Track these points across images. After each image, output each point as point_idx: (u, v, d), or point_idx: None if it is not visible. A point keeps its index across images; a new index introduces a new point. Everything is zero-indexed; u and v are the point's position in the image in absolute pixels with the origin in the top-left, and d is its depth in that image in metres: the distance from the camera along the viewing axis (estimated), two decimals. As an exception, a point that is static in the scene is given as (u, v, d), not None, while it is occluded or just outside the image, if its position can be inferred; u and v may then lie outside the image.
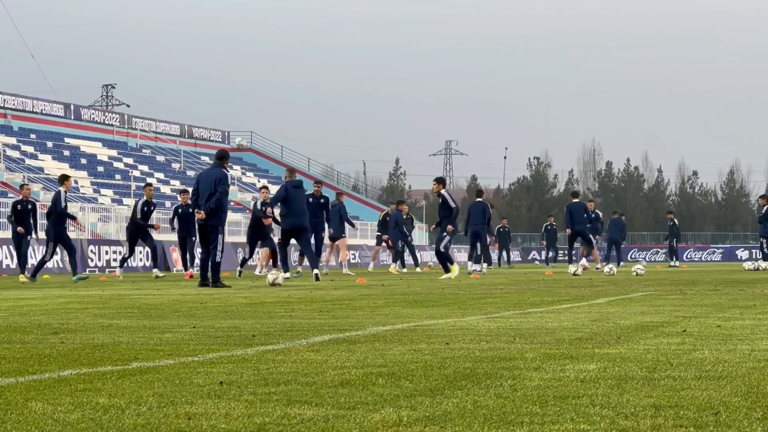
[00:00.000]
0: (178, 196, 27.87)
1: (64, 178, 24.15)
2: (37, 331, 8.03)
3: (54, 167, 51.13)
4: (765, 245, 32.44)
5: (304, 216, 22.09)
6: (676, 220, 45.62)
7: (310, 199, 26.10)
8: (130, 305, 11.98)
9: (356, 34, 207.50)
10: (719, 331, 7.46)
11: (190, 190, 20.86)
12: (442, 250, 23.99)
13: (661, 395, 4.32)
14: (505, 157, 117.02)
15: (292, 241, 22.76)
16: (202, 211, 18.23)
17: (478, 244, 28.95)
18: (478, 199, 29.52)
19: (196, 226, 19.37)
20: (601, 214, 35.03)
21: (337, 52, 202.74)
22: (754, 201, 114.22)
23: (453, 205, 23.84)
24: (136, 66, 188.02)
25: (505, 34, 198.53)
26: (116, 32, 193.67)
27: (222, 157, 18.86)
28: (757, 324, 8.18)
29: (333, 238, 30.22)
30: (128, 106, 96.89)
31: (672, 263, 44.44)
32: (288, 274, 21.98)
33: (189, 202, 24.99)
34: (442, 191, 23.97)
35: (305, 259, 26.65)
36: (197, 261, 25.61)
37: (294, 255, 31.34)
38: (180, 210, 27.47)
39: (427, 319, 9.11)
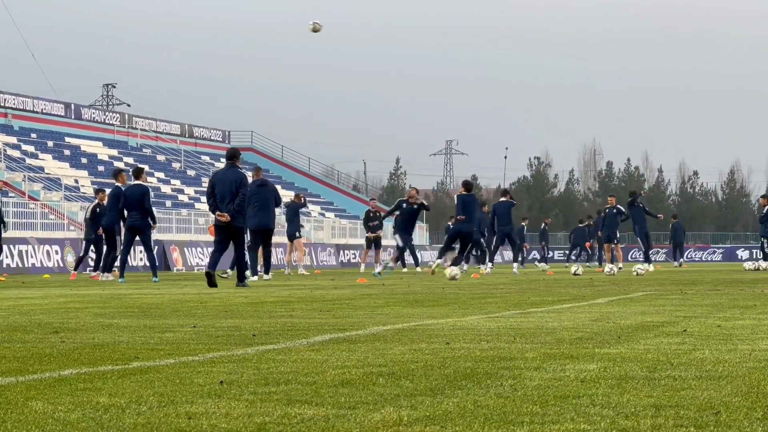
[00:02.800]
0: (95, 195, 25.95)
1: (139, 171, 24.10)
2: (38, 331, 8.03)
3: (54, 167, 51.13)
4: (765, 245, 32.46)
5: (268, 215, 22.21)
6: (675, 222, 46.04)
7: (404, 205, 26.88)
8: (130, 305, 11.98)
9: (356, 34, 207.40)
10: (719, 331, 7.47)
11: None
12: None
13: (662, 395, 4.32)
14: (505, 157, 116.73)
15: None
16: (226, 213, 18.10)
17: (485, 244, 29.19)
18: (503, 199, 29.32)
19: (216, 228, 18.82)
20: (623, 208, 34.50)
21: (337, 52, 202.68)
22: (754, 201, 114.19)
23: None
24: (136, 66, 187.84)
25: (505, 35, 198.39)
26: (116, 32, 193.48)
27: (233, 157, 18.88)
28: (758, 324, 8.18)
29: (290, 238, 30.16)
30: (129, 105, 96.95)
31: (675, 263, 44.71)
32: (255, 278, 22.14)
33: (106, 200, 24.25)
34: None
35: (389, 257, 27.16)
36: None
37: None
38: (98, 209, 25.76)
39: (428, 318, 9.11)
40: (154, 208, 23.06)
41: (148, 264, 23.15)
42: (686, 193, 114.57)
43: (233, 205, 18.13)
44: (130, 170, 26.96)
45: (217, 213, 18.28)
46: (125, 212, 22.13)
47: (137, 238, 22.29)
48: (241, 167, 18.94)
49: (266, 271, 22.70)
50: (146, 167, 57.31)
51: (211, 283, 17.57)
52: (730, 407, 4.00)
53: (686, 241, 46.78)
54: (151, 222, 22.30)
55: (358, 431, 3.61)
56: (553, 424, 3.68)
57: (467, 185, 25.77)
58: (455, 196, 26.24)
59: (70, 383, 4.81)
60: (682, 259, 45.03)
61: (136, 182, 22.72)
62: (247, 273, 20.06)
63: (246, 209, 18.70)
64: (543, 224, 50.00)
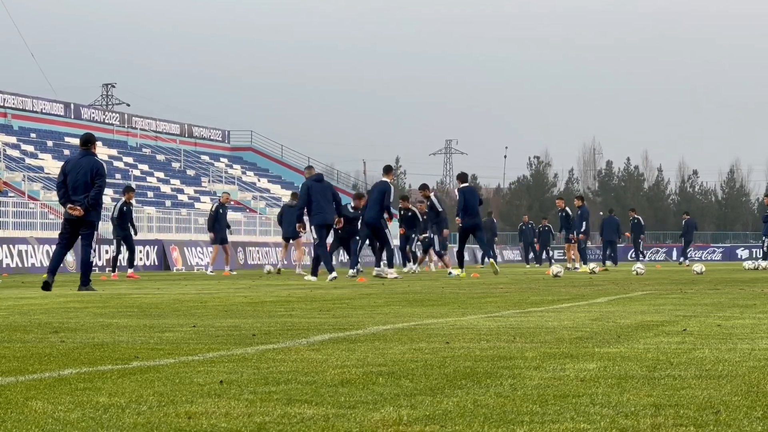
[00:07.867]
0: None
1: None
2: (38, 330, 8.02)
3: (54, 166, 51.08)
4: (766, 244, 32.50)
5: (330, 210, 21.36)
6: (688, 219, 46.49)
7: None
8: (130, 304, 11.97)
9: (356, 34, 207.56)
10: (719, 330, 7.46)
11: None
12: (442, 251, 24.54)
13: (662, 394, 4.32)
14: (505, 157, 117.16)
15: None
16: (78, 206, 16.04)
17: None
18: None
19: (64, 222, 16.74)
20: (570, 210, 34.64)
21: (337, 52, 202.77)
22: (754, 200, 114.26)
23: (440, 209, 24.95)
24: (136, 65, 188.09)
25: (505, 34, 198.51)
26: (116, 32, 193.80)
27: (88, 142, 16.63)
28: (757, 323, 8.18)
29: (292, 237, 30.09)
30: (128, 105, 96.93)
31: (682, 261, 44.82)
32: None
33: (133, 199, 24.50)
34: (430, 195, 25.04)
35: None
36: None
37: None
38: (125, 208, 26.62)
39: (427, 318, 9.10)
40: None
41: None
42: (686, 193, 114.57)
43: (89, 197, 16.07)
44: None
45: (69, 206, 16.13)
46: None
47: None
48: (97, 154, 16.86)
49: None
50: (143, 167, 57.30)
51: (47, 288, 15.79)
52: (730, 406, 4.00)
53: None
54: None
55: (358, 431, 3.61)
56: (553, 424, 3.68)
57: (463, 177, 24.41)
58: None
59: (70, 383, 4.81)
60: (687, 260, 45.11)
61: None
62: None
63: (102, 203, 16.62)
64: (526, 223, 49.80)
